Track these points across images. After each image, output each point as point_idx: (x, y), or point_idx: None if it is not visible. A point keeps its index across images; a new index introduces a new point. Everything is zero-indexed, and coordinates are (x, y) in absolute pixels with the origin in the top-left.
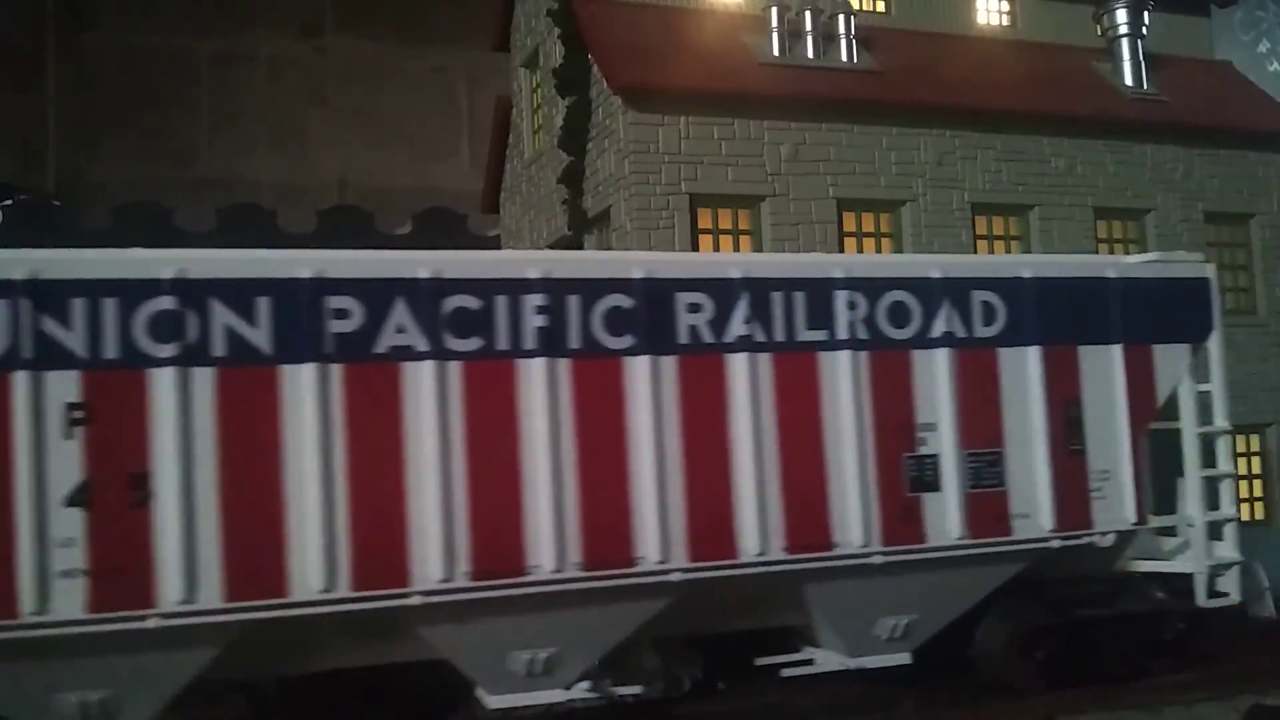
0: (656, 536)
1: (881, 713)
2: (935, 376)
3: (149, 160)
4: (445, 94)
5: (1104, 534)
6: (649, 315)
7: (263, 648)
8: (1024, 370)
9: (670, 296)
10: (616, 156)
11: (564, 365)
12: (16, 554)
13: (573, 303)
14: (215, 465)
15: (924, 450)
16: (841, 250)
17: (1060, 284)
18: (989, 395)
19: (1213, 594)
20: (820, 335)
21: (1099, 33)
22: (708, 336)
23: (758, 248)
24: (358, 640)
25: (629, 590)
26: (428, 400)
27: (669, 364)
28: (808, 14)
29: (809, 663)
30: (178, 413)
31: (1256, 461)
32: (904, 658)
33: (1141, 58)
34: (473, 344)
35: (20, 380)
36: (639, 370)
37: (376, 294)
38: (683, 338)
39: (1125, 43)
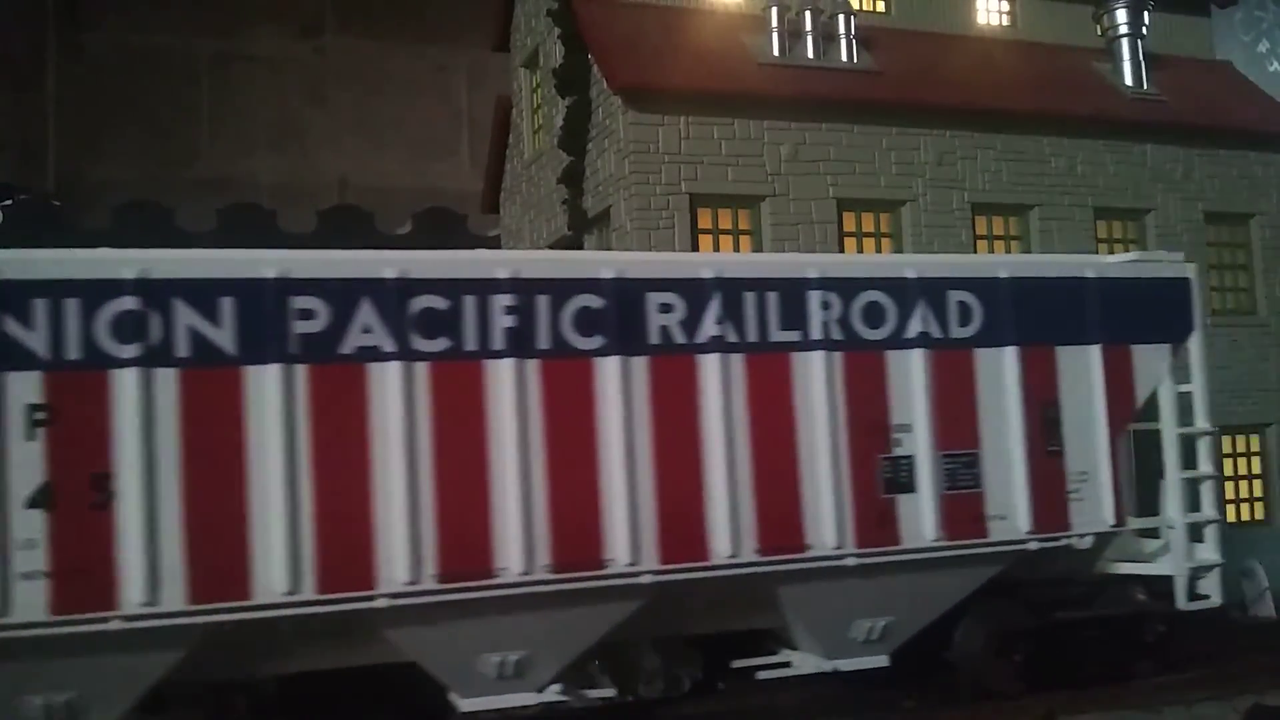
0: (627, 538)
1: (881, 713)
2: (910, 377)
3: (149, 160)
4: (445, 94)
5: (1082, 536)
6: (619, 316)
7: (228, 650)
8: (1001, 371)
9: (641, 297)
10: (616, 156)
11: (533, 366)
12: None
13: (542, 303)
14: (178, 466)
15: (899, 451)
16: (842, 250)
17: (1037, 284)
18: (965, 396)
19: (1194, 596)
20: (794, 336)
21: (1099, 33)
22: (679, 337)
23: (758, 248)
24: (324, 643)
25: (599, 593)
26: (394, 401)
27: (640, 365)
28: (808, 14)
29: (786, 665)
30: (140, 414)
31: (1256, 461)
32: (882, 660)
33: (1141, 58)
34: (440, 345)
35: None
36: (609, 371)
37: (342, 294)
38: (654, 338)
39: (1125, 43)
